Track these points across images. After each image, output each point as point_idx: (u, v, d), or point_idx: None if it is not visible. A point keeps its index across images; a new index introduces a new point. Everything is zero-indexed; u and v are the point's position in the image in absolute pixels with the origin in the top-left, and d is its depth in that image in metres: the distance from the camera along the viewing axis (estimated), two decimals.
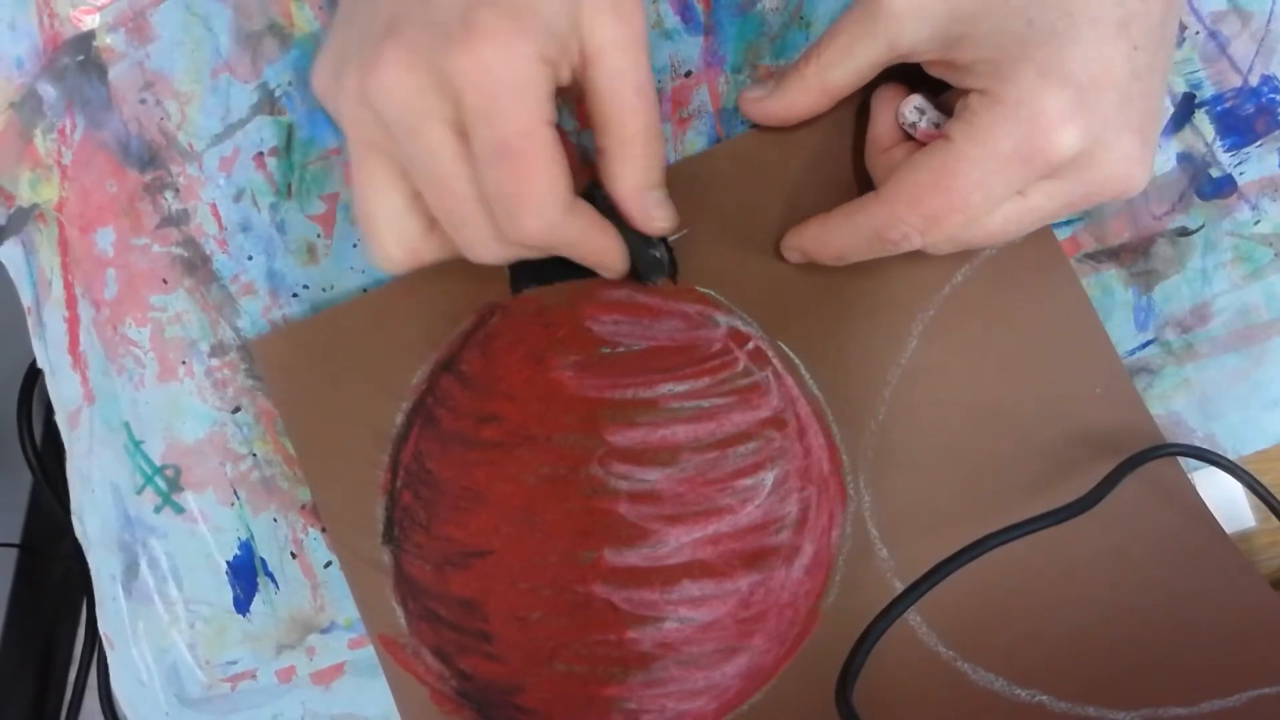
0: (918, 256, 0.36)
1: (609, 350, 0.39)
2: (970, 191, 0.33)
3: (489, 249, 0.34)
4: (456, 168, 0.32)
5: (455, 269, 0.39)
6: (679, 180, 0.39)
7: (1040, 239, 0.39)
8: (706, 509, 0.38)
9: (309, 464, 0.40)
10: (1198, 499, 0.38)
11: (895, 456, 0.39)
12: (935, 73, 0.35)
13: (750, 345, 0.39)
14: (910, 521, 0.38)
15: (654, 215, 0.36)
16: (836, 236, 0.37)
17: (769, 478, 0.39)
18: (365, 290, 0.41)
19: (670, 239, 0.39)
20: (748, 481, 0.39)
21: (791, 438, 0.39)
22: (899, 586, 0.38)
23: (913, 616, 0.38)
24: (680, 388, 0.39)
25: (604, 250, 0.36)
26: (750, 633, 0.38)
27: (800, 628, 0.38)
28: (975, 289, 0.39)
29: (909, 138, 0.37)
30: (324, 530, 0.40)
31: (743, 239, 0.40)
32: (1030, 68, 0.32)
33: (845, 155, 0.39)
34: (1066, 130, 0.31)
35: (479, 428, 0.39)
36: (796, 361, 0.39)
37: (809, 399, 0.39)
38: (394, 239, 0.34)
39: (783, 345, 0.39)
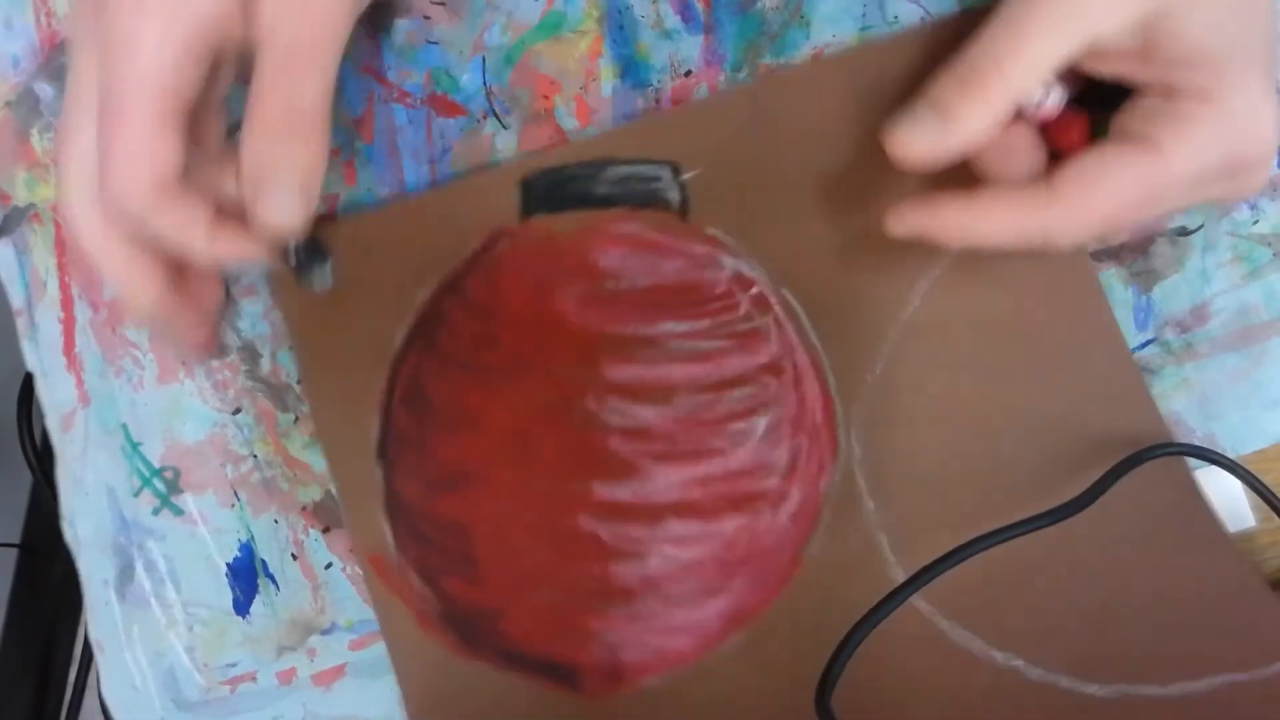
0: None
1: (613, 284, 0.39)
2: (1172, 206, 0.31)
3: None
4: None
5: (466, 191, 0.40)
6: (696, 119, 0.40)
7: None
8: (697, 450, 0.39)
9: (310, 377, 0.40)
10: (1197, 493, 0.38)
11: (889, 412, 0.39)
12: (1116, 69, 0.32)
13: (754, 290, 0.39)
14: (899, 476, 0.39)
15: (259, 204, 0.33)
16: (988, 225, 0.34)
17: (762, 423, 0.39)
18: None
19: (683, 177, 0.39)
20: (740, 425, 0.39)
21: (787, 385, 0.39)
22: (883, 539, 0.38)
23: (895, 571, 0.38)
24: (681, 327, 0.39)
25: (205, 249, 0.33)
26: (732, 574, 0.38)
27: (782, 573, 0.38)
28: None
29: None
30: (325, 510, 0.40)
31: (756, 184, 0.39)
32: (1256, 71, 0.29)
33: (874, 107, 0.38)
34: (1275, 143, 0.30)
35: (478, 352, 0.39)
36: (798, 310, 0.39)
37: (808, 349, 0.39)
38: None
39: (786, 293, 0.39)
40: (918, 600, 0.37)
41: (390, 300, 0.39)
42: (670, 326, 0.39)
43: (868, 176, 0.39)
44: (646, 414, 0.39)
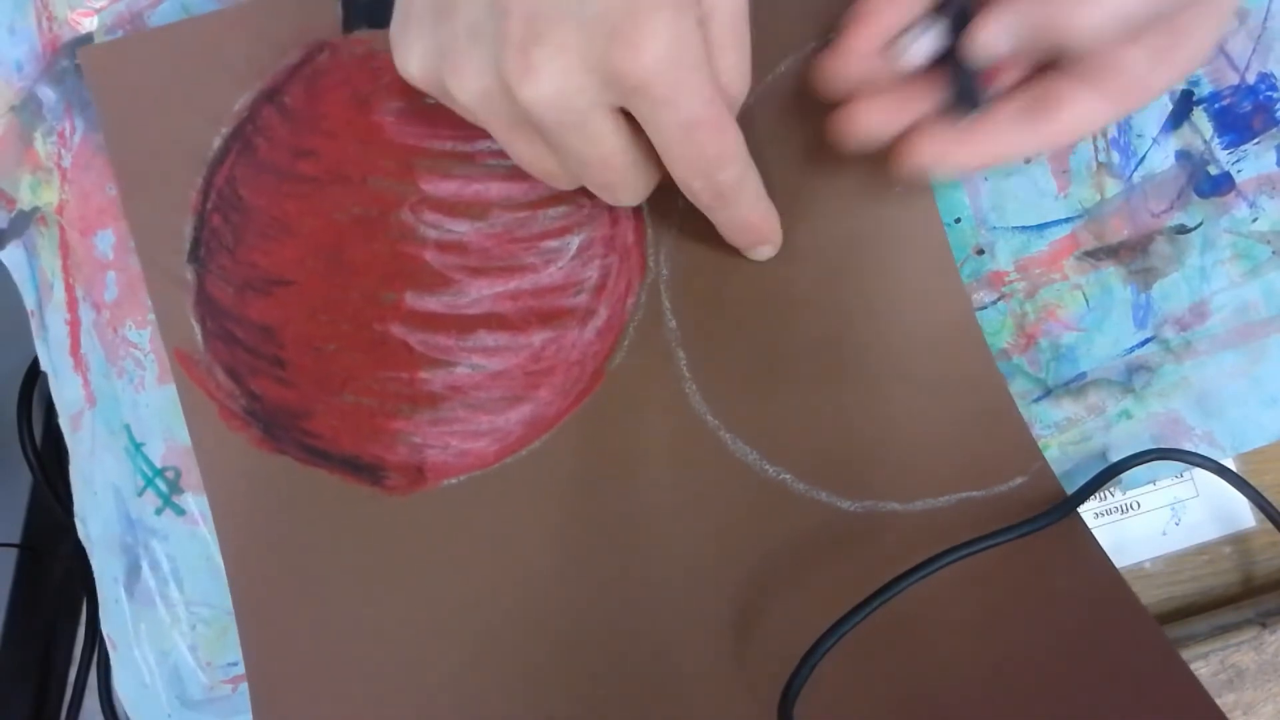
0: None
1: (432, 101, 0.39)
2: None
3: (638, 196, 0.35)
4: (618, 144, 0.32)
5: (288, 2, 0.40)
6: None
7: None
8: (510, 265, 0.40)
9: (124, 176, 0.41)
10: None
11: (697, 235, 0.40)
12: None
13: None
14: (701, 296, 0.40)
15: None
16: (999, 149, 0.36)
17: (574, 242, 0.40)
18: None
19: None
20: (553, 244, 0.40)
21: (601, 206, 0.40)
22: (681, 355, 0.40)
23: (690, 386, 0.40)
24: (498, 145, 0.39)
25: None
26: (537, 385, 0.40)
27: (585, 384, 0.40)
28: (798, 80, 0.40)
29: None
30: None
31: None
32: None
33: None
34: None
35: (295, 161, 0.40)
36: None
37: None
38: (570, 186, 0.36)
39: None
40: (707, 415, 0.39)
41: (208, 106, 0.40)
42: (488, 144, 0.40)
43: None
44: (462, 229, 0.40)
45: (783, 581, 0.38)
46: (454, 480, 0.40)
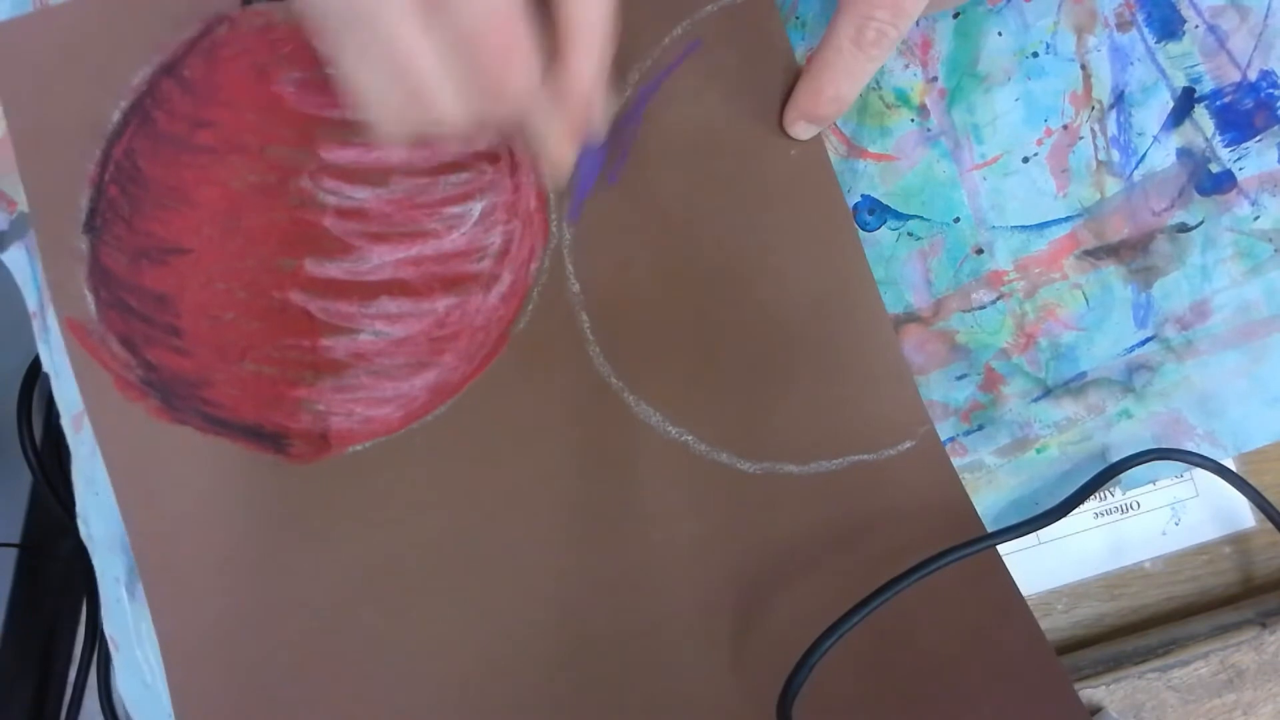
0: (636, 4, 0.37)
1: (332, 70, 0.40)
2: None
3: (457, 115, 0.33)
4: (420, 44, 0.31)
5: None
6: None
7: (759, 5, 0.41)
8: (412, 231, 0.40)
9: (23, 150, 0.41)
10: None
11: (599, 200, 0.40)
12: None
13: None
14: (604, 260, 0.40)
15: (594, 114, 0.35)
16: (825, 77, 0.37)
17: (477, 208, 0.40)
18: None
19: None
20: (456, 209, 0.40)
21: (503, 172, 0.40)
22: (584, 319, 0.40)
23: (594, 349, 0.40)
24: None
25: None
26: (441, 351, 0.40)
27: (489, 349, 0.40)
28: (694, 48, 0.40)
29: None
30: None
31: None
32: None
33: None
34: None
35: (194, 132, 0.40)
36: None
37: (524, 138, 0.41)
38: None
39: None
40: (610, 378, 0.40)
41: (107, 81, 0.40)
42: None
43: None
44: (362, 195, 0.40)
45: (684, 542, 0.39)
46: (359, 447, 0.40)
